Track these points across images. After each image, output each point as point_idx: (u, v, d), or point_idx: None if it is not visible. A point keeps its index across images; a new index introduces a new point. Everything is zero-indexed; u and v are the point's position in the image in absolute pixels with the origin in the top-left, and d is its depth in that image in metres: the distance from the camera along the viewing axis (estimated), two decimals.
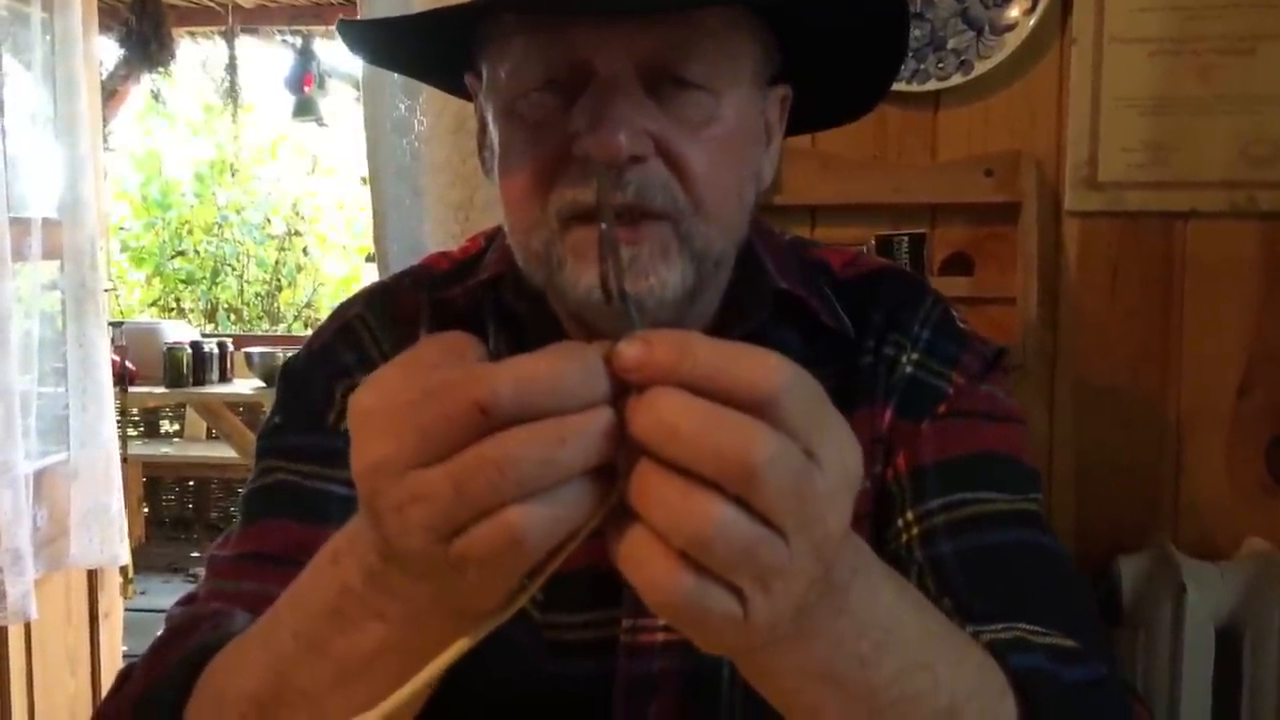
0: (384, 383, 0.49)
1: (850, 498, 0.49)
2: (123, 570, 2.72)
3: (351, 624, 0.56)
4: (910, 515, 0.87)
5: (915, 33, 1.79)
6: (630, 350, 0.45)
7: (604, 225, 0.61)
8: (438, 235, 1.77)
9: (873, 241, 1.79)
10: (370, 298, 0.97)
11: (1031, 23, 1.76)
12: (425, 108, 1.77)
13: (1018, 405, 0.95)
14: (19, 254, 2.22)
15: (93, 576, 2.62)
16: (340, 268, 7.74)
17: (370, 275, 6.53)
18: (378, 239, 1.83)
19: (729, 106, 0.79)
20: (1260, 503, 1.78)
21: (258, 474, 0.91)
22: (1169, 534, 1.77)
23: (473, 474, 0.44)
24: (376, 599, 0.54)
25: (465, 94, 0.92)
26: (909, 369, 0.91)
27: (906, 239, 1.78)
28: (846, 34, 0.86)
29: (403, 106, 1.77)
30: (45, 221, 2.35)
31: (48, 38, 2.38)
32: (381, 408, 0.48)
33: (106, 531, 2.41)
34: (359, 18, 1.79)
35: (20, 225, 2.24)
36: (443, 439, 0.45)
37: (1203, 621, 1.64)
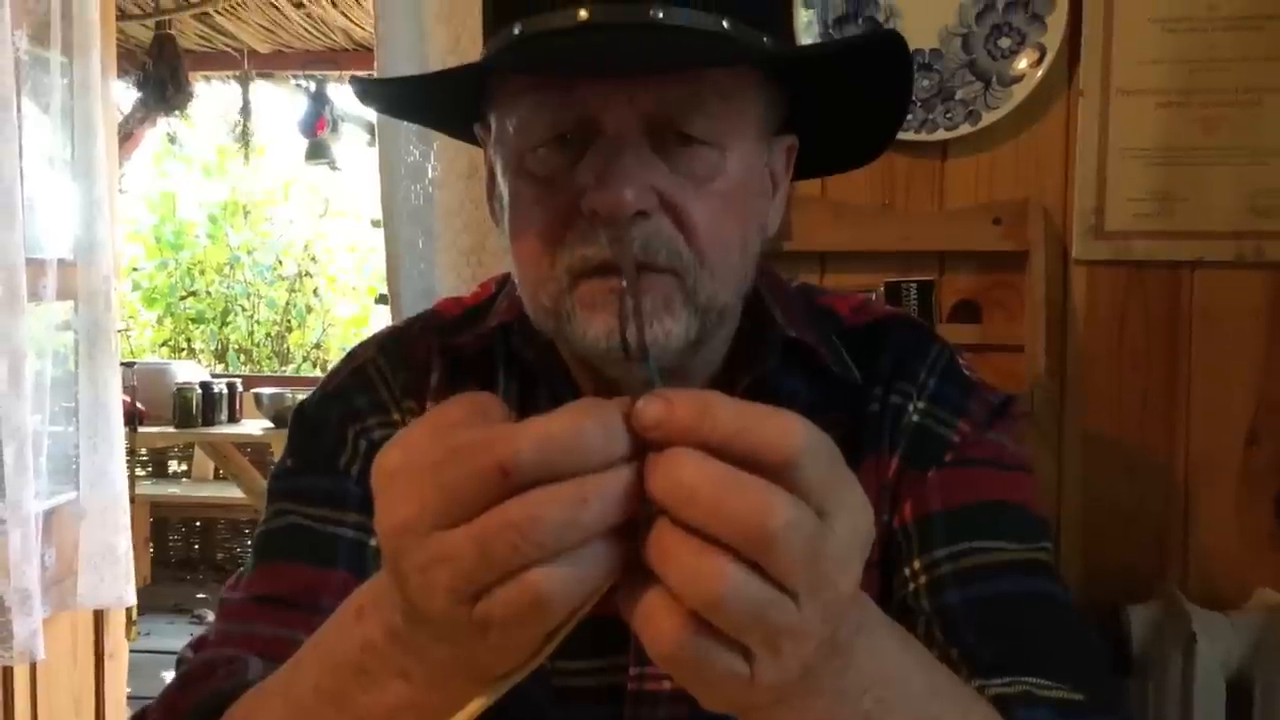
0: (408, 442, 0.49)
1: (861, 558, 0.49)
2: (128, 612, 2.72)
3: (374, 681, 0.57)
4: (918, 564, 0.87)
5: (923, 83, 1.81)
6: (650, 409, 0.46)
7: (625, 282, 0.62)
8: (449, 279, 1.79)
9: (881, 288, 1.80)
10: (383, 342, 0.98)
11: (1039, 74, 1.78)
12: (438, 154, 1.79)
13: (1026, 453, 0.95)
14: (34, 294, 2.24)
15: (99, 617, 2.61)
16: (350, 309, 7.78)
17: (380, 317, 6.56)
18: (391, 282, 1.85)
19: (734, 160, 0.80)
20: (1269, 552, 1.78)
21: (269, 516, 0.92)
22: (1178, 583, 1.76)
23: (495, 536, 0.45)
24: (400, 658, 0.54)
25: (475, 139, 0.93)
26: (916, 417, 0.91)
27: (915, 286, 1.80)
28: (852, 85, 0.87)
29: (416, 152, 1.80)
30: (60, 263, 2.37)
31: (66, 81, 2.41)
32: (406, 468, 0.48)
33: (114, 572, 2.41)
34: (374, 69, 1.82)
35: (35, 266, 2.26)
36: (466, 500, 0.46)
37: (1213, 672, 1.63)
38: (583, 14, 0.76)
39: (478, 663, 0.51)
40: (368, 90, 0.91)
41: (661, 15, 0.76)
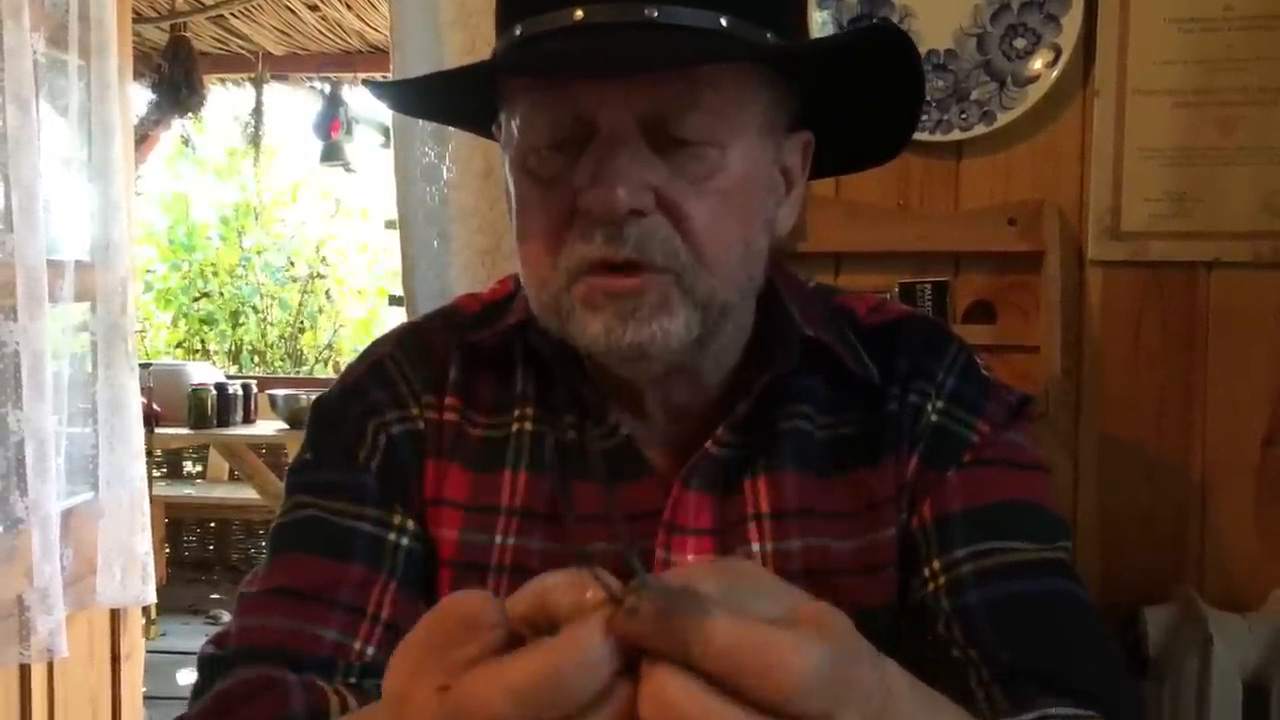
0: (409, 668, 0.49)
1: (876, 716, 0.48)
2: (145, 611, 2.73)
3: None
4: (937, 564, 0.87)
5: (938, 83, 1.81)
6: (638, 626, 0.43)
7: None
8: (464, 280, 1.80)
9: (896, 289, 1.80)
10: (401, 337, 0.99)
11: (1054, 75, 1.78)
12: (454, 155, 1.80)
13: (1042, 453, 0.95)
14: (51, 296, 2.24)
15: (115, 617, 2.62)
16: (361, 310, 7.80)
17: (391, 318, 6.58)
18: (406, 283, 1.86)
19: (734, 157, 0.80)
20: None
21: (287, 508, 0.92)
22: (1195, 585, 1.76)
23: None
24: None
25: (471, 123, 0.95)
26: (934, 417, 0.91)
27: (930, 286, 1.80)
28: (862, 83, 0.87)
29: (431, 154, 1.80)
30: (77, 264, 2.38)
31: (83, 84, 2.42)
32: (414, 700, 0.48)
33: (132, 571, 2.42)
34: (389, 73, 1.83)
35: (53, 268, 2.27)
36: None
37: (1230, 674, 1.62)
38: (579, 14, 0.78)
39: None
40: (383, 92, 0.92)
41: (656, 14, 0.77)
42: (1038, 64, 1.79)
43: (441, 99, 0.96)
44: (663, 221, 0.78)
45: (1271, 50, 1.73)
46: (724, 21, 0.78)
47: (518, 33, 0.81)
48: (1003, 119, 1.80)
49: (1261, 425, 1.78)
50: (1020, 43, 1.79)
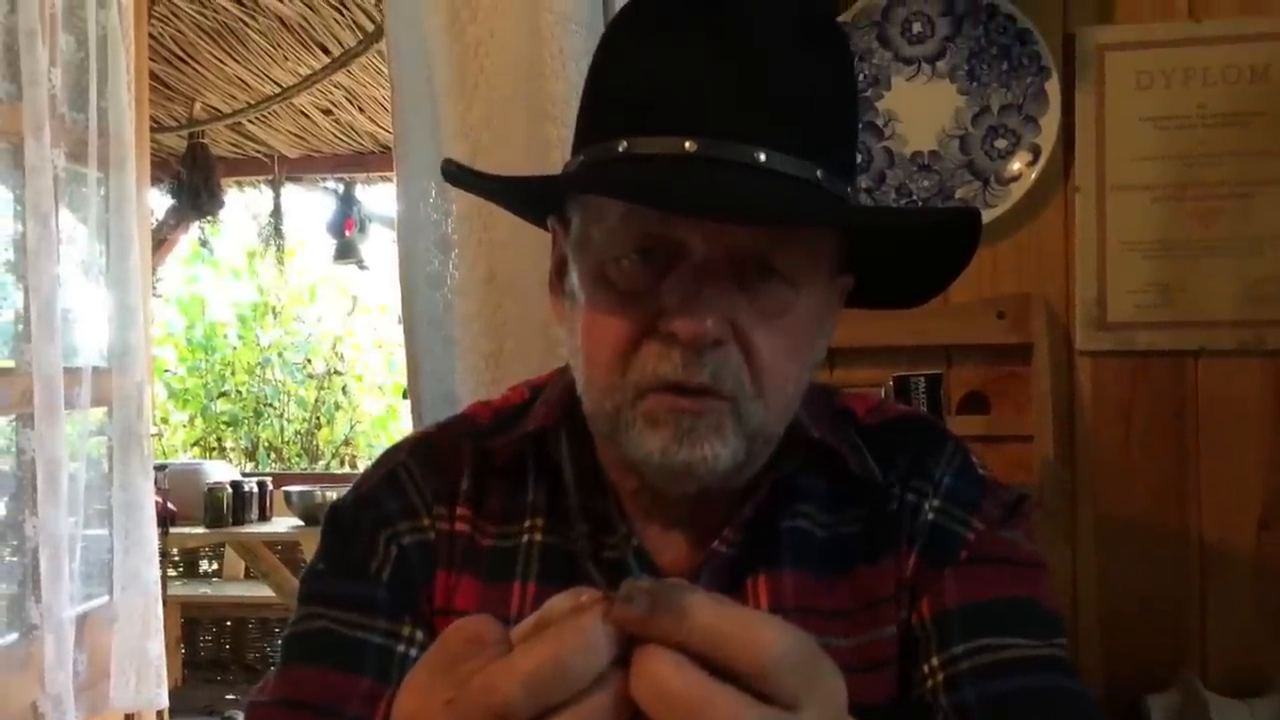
0: (417, 687, 0.51)
1: None
2: (159, 715, 2.73)
3: None
4: (935, 661, 0.89)
5: (924, 183, 1.87)
6: (630, 612, 0.48)
7: None
8: (469, 382, 1.83)
9: (890, 382, 1.83)
10: (415, 446, 1.01)
11: (1034, 173, 1.83)
12: (457, 261, 1.85)
13: (1039, 550, 0.97)
14: (69, 403, 2.30)
15: None
16: (378, 405, 7.84)
17: (406, 411, 6.62)
18: (411, 386, 1.90)
19: (804, 300, 0.84)
20: None
21: (299, 618, 0.94)
22: (1197, 671, 1.76)
23: None
24: None
25: (528, 210, 0.98)
26: (930, 515, 0.93)
27: (923, 379, 1.83)
28: (916, 246, 0.91)
29: (436, 261, 1.85)
30: (95, 370, 2.44)
31: (102, 195, 2.50)
32: (419, 715, 0.50)
33: (146, 675, 2.43)
34: (395, 179, 1.89)
35: (71, 374, 2.33)
36: None
37: None
38: (688, 145, 0.80)
39: None
40: (459, 176, 0.95)
41: (763, 158, 0.80)
42: (1018, 164, 1.85)
43: (507, 189, 0.99)
44: (736, 352, 0.81)
45: (1245, 146, 1.78)
46: (819, 173, 0.82)
47: (620, 148, 0.83)
48: (988, 216, 1.85)
49: (1256, 508, 1.80)
50: (1001, 143, 1.85)
